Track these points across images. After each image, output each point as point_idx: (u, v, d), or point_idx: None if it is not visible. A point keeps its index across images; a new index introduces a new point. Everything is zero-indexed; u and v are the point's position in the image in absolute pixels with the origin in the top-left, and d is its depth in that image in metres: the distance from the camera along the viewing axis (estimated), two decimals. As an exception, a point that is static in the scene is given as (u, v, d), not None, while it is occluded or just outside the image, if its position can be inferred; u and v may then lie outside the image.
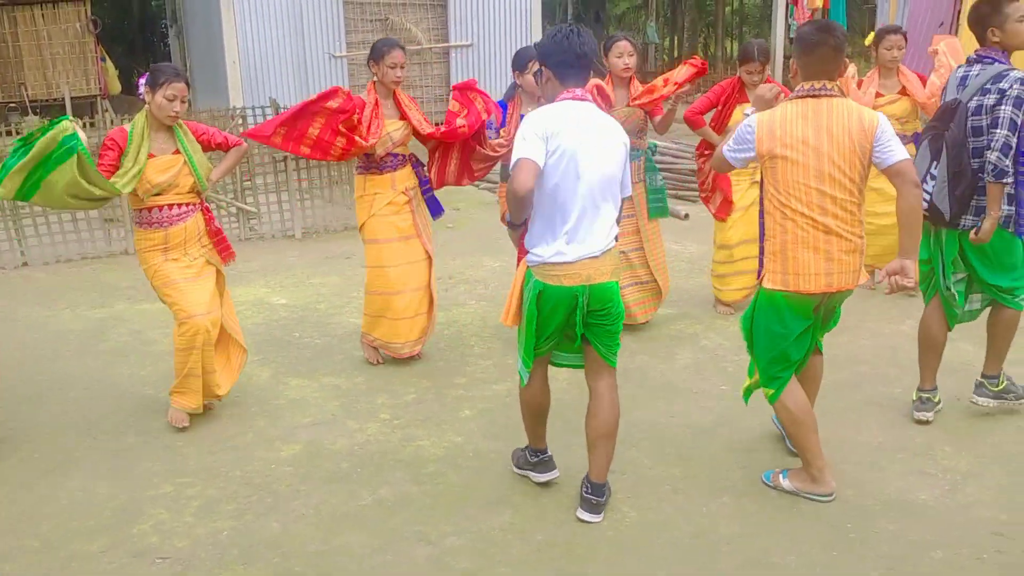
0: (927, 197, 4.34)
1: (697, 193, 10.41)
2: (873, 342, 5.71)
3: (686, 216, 9.48)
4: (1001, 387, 4.59)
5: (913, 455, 4.24)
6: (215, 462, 4.35)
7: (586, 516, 3.78)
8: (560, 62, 3.59)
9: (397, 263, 5.35)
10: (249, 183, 9.18)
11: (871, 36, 6.53)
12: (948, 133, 4.29)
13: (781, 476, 3.99)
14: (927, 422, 4.57)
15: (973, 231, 4.28)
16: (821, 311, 3.83)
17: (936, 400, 4.64)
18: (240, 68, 13.36)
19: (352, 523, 3.80)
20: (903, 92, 6.34)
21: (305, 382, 5.33)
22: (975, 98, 4.27)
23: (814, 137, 3.59)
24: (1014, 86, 4.15)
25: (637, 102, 5.73)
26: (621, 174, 3.65)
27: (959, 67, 4.49)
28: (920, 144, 4.47)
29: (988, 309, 4.60)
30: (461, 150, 5.41)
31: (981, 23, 4.35)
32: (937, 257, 4.49)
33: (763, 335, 3.85)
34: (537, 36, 15.44)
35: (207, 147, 4.70)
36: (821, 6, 11.87)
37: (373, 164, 5.31)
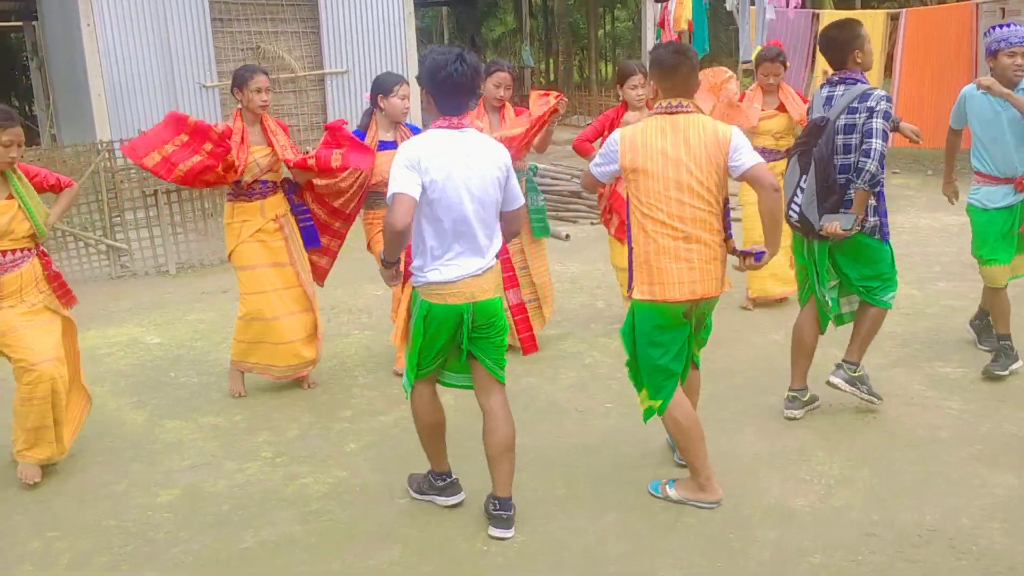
0: (797, 209, 4.55)
1: (577, 214, 10.65)
2: (748, 354, 5.88)
3: (567, 237, 9.59)
4: (857, 375, 4.82)
5: (789, 462, 4.38)
6: (87, 512, 4.16)
7: (498, 532, 3.81)
8: (439, 88, 3.62)
9: (275, 287, 5.28)
10: (119, 219, 8.86)
11: (757, 51, 6.82)
12: (816, 149, 4.50)
13: (668, 486, 4.07)
14: (795, 419, 4.79)
15: (829, 225, 4.49)
16: (692, 319, 3.95)
17: (805, 399, 4.86)
18: (106, 101, 12.89)
19: (234, 568, 3.68)
20: (781, 108, 6.54)
21: (182, 423, 5.15)
22: (843, 116, 4.51)
23: (672, 150, 3.76)
24: (880, 103, 4.44)
25: (502, 137, 5.77)
26: (499, 195, 3.70)
27: (822, 87, 4.73)
28: (790, 159, 4.67)
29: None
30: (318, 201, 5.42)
31: (844, 48, 4.61)
32: (811, 266, 4.72)
33: (644, 347, 3.95)
34: (413, 61, 15.42)
35: (40, 189, 4.48)
36: (686, 28, 12.25)
37: (242, 191, 5.22)
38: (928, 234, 9.14)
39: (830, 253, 4.67)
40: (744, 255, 3.93)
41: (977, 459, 4.31)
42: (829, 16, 12.33)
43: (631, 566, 3.58)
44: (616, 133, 3.92)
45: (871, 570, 3.49)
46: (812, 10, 13.11)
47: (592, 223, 10.39)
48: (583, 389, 5.43)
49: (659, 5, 13.59)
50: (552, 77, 31.14)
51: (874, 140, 4.41)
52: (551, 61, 32.33)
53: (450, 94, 3.62)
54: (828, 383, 4.83)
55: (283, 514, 4.08)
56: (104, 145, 8.97)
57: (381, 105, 5.54)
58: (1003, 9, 13.47)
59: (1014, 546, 3.58)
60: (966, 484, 4.08)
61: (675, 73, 3.82)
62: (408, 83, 5.53)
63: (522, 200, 3.86)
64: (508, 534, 3.80)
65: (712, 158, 3.76)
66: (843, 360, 4.86)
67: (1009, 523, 3.74)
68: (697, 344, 4.12)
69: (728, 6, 11.09)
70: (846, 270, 4.68)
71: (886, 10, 13.19)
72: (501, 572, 3.59)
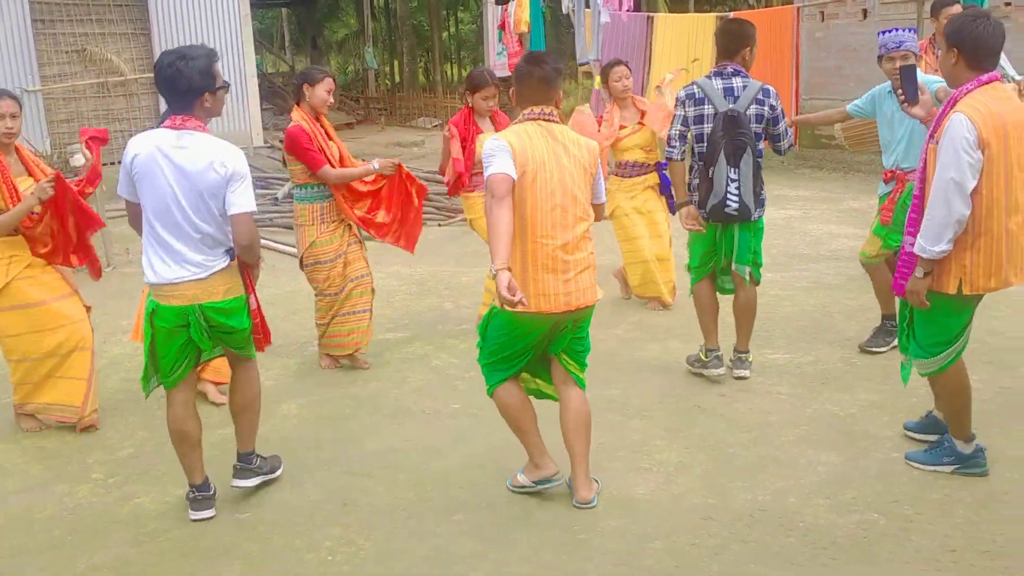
0: (736, 199, 4.93)
1: (424, 216, 10.58)
2: (593, 347, 5.99)
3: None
4: (751, 360, 5.43)
5: (631, 452, 4.50)
6: None
7: (238, 483, 4.16)
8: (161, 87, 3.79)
9: (55, 324, 4.86)
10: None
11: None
12: (746, 139, 4.91)
13: (518, 475, 4.15)
14: (720, 375, 5.31)
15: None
16: (562, 326, 3.92)
17: (721, 357, 5.36)
18: (-86, 105, 12.03)
19: (64, 597, 3.49)
20: (642, 122, 6.59)
21: (6, 446, 4.85)
22: (752, 107, 4.99)
23: (555, 157, 3.76)
24: (772, 93, 5.09)
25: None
26: (206, 203, 3.74)
27: (713, 77, 5.07)
28: (715, 153, 4.94)
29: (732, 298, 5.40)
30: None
31: (739, 42, 5.07)
32: (722, 248, 5.21)
33: (495, 340, 3.95)
34: (250, 64, 15.05)
35: None
36: (525, 30, 12.40)
37: None
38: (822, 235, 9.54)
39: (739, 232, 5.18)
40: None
41: (804, 440, 4.54)
42: (663, 20, 12.75)
43: (480, 564, 3.60)
44: (499, 139, 3.76)
45: (708, 552, 3.62)
46: (647, 13, 13.51)
47: (440, 224, 10.39)
48: (430, 392, 5.42)
49: (500, 8, 13.72)
50: (397, 79, 30.98)
51: (782, 123, 5.10)
52: (396, 63, 32.17)
53: (170, 95, 3.78)
54: (736, 377, 5.33)
55: (117, 536, 3.89)
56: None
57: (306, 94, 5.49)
58: (823, 12, 14.28)
59: (835, 520, 3.79)
60: (794, 464, 4.30)
61: (527, 81, 3.83)
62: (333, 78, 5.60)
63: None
64: (247, 483, 4.17)
65: (587, 169, 3.84)
66: (736, 351, 5.40)
67: (832, 499, 3.96)
68: (573, 358, 4.05)
69: (564, 9, 11.30)
70: (754, 246, 5.21)
71: (716, 13, 13.74)
72: (348, 580, 3.54)
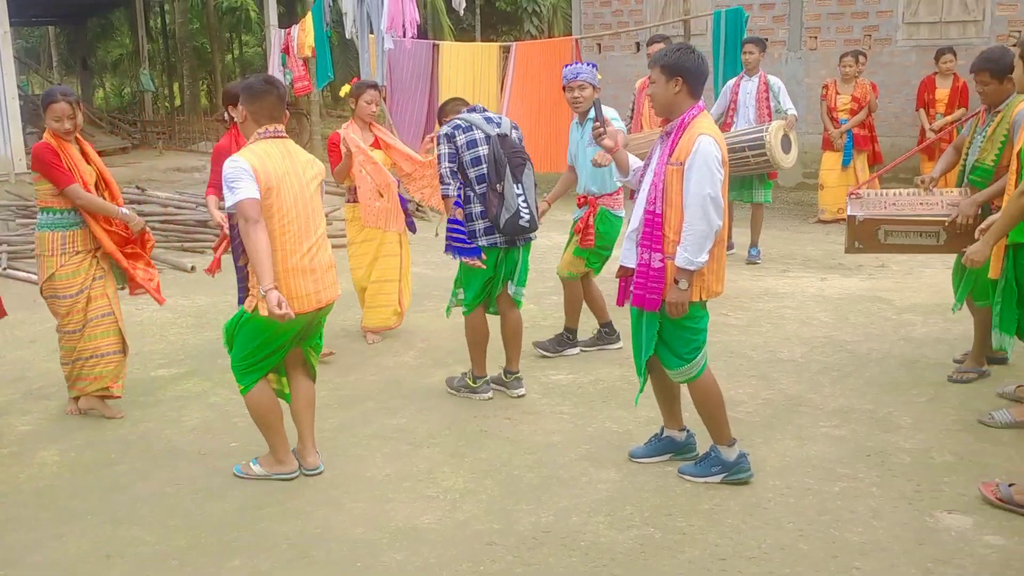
0: (528, 214, 5.11)
1: (204, 244, 10.16)
2: (378, 377, 5.92)
3: (192, 268, 9.14)
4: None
5: (417, 481, 4.44)
6: None
7: None
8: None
9: None
10: None
11: (346, 88, 6.74)
12: (522, 156, 5.15)
13: (252, 463, 4.49)
14: (490, 398, 5.44)
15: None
16: (314, 323, 4.38)
17: (490, 382, 5.52)
18: None
19: None
20: (376, 145, 6.44)
21: None
22: (513, 131, 5.30)
23: (293, 171, 4.15)
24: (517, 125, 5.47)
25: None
26: None
27: (469, 114, 5.25)
28: (502, 169, 5.08)
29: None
30: None
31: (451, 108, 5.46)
32: (502, 271, 5.33)
33: (250, 343, 4.24)
34: (11, 84, 13.99)
35: None
36: (310, 55, 12.20)
37: None
38: (543, 251, 9.77)
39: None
40: None
41: (585, 458, 4.64)
42: (448, 47, 12.87)
43: (256, 611, 3.43)
44: (238, 160, 4.03)
45: (492, 578, 3.62)
46: (432, 40, 13.61)
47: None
48: (208, 430, 5.16)
49: (283, 31, 13.43)
50: (178, 102, 29.74)
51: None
52: (176, 85, 30.89)
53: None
54: (513, 396, 5.47)
55: None
56: None
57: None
58: (599, 44, 14.88)
59: (615, 536, 3.89)
60: (575, 483, 4.38)
61: (263, 100, 4.17)
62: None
63: None
64: None
65: (317, 177, 4.29)
66: (506, 371, 5.53)
67: (612, 515, 4.06)
68: (314, 350, 4.52)
69: (348, 34, 11.19)
70: (527, 266, 5.45)
71: (500, 43, 14.02)
72: (110, 640, 3.28)
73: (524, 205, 5.12)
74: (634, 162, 4.46)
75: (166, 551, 3.86)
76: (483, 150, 5.13)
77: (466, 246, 5.18)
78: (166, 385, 5.85)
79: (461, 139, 5.15)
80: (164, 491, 4.41)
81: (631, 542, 3.84)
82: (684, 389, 4.43)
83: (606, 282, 6.13)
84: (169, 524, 4.08)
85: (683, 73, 4.03)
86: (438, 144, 5.24)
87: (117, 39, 34.28)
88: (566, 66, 5.78)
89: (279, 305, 3.93)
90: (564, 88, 5.74)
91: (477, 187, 5.16)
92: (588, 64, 5.76)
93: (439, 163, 5.21)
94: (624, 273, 4.36)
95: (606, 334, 6.36)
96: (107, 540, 3.95)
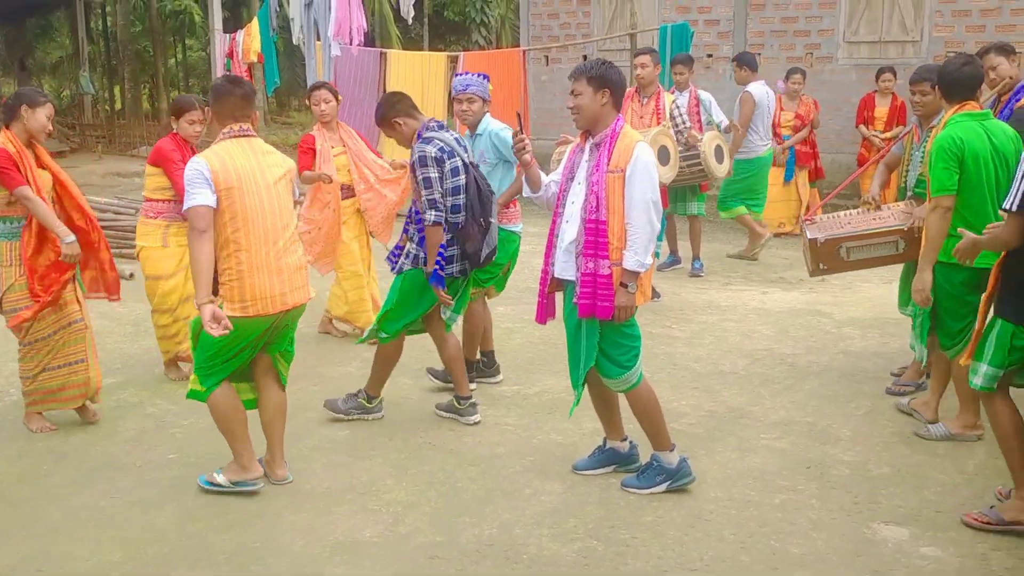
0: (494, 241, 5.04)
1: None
2: (322, 387, 5.85)
3: (131, 276, 8.95)
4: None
5: (359, 494, 4.39)
6: None
7: None
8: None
9: None
10: None
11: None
12: (487, 184, 5.08)
13: (216, 473, 4.34)
14: (478, 421, 5.25)
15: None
16: (281, 325, 4.28)
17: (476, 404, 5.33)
18: None
19: None
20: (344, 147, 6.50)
21: None
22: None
23: (259, 169, 4.13)
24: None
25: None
26: None
27: (440, 132, 4.95)
28: (487, 202, 4.99)
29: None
30: None
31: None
32: (465, 299, 5.30)
33: (215, 345, 4.10)
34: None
35: None
36: (256, 60, 12.07)
37: None
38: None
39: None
40: None
41: (529, 470, 4.64)
42: (395, 56, 12.83)
43: (193, 627, 3.36)
44: (198, 162, 4.03)
45: (435, 592, 3.59)
46: (380, 49, 13.55)
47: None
48: (145, 441, 5.05)
49: (228, 36, 13.26)
50: (119, 105, 29.18)
51: None
52: (117, 89, 30.31)
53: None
54: (471, 424, 5.25)
55: None
56: None
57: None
58: (547, 56, 14.97)
59: (558, 549, 3.89)
60: (519, 495, 4.37)
61: (228, 100, 4.17)
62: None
63: None
64: None
65: (286, 175, 4.25)
66: (457, 396, 5.29)
67: (555, 528, 4.06)
68: (283, 357, 4.45)
69: (295, 40, 11.10)
70: (467, 294, 5.33)
71: (448, 53, 14.01)
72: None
73: (493, 235, 5.06)
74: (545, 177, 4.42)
75: (100, 565, 3.77)
76: (463, 179, 4.90)
77: (442, 273, 4.92)
78: (103, 395, 5.69)
79: (447, 166, 4.87)
80: (99, 504, 4.31)
81: (574, 555, 3.84)
82: (621, 397, 4.45)
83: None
84: (104, 537, 3.99)
85: (610, 85, 4.13)
86: (422, 165, 4.84)
87: (57, 40, 33.51)
88: (456, 75, 5.60)
89: (215, 319, 3.87)
90: (452, 100, 5.56)
91: (451, 216, 4.93)
92: (479, 76, 5.48)
93: (425, 186, 4.83)
94: (558, 287, 4.38)
95: (485, 365, 5.97)
96: (39, 554, 3.85)
